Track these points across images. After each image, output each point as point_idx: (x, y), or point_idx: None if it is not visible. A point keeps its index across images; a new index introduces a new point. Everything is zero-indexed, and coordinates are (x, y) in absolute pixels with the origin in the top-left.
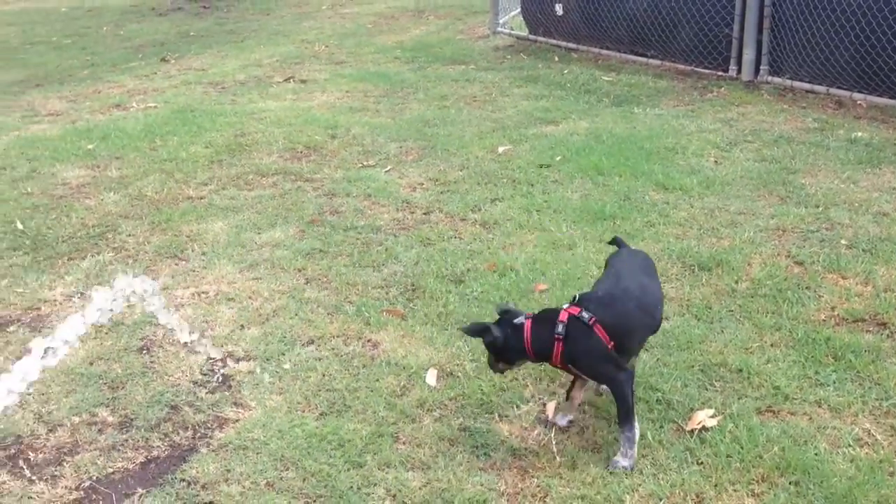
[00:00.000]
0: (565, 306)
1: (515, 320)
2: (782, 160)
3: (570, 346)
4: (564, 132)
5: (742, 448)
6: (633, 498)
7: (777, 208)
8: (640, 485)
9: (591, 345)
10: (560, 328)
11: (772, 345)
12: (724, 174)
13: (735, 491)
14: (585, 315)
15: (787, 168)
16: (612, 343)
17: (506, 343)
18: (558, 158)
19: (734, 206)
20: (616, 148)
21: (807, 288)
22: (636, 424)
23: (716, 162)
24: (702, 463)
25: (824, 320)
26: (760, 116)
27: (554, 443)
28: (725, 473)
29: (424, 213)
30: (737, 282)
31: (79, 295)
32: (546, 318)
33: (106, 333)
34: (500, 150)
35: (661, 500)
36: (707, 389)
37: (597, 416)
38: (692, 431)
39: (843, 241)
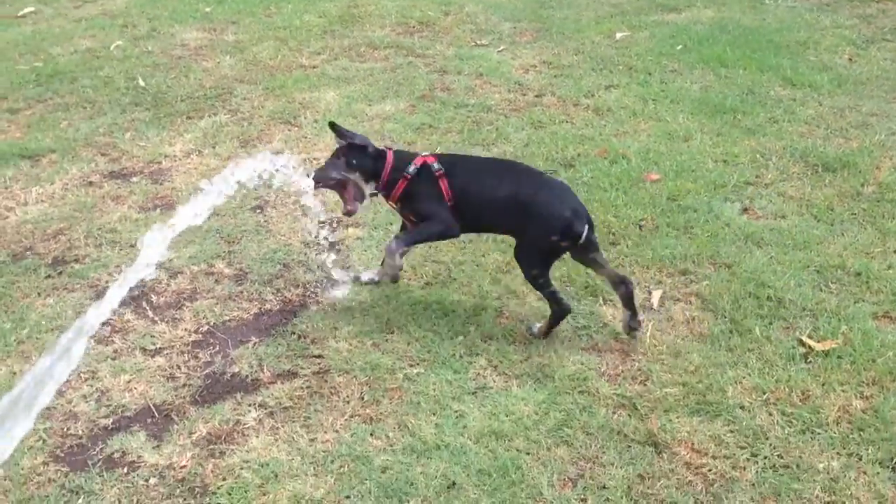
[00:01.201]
0: (423, 154)
1: (371, 148)
2: None
3: (411, 187)
4: (687, 20)
5: (854, 351)
6: (735, 389)
7: None
8: (744, 377)
9: (429, 191)
10: (412, 168)
11: (895, 251)
12: (859, 73)
13: (843, 392)
14: (436, 165)
15: None
16: (452, 202)
17: (372, 162)
18: (679, 48)
19: (866, 106)
20: (742, 39)
21: None
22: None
23: (850, 59)
24: (811, 362)
25: None
26: None
27: (656, 330)
28: (835, 374)
29: (536, 96)
30: (863, 185)
31: (197, 153)
32: (404, 157)
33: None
34: (618, 35)
35: (764, 393)
36: (822, 291)
37: (703, 308)
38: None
39: None
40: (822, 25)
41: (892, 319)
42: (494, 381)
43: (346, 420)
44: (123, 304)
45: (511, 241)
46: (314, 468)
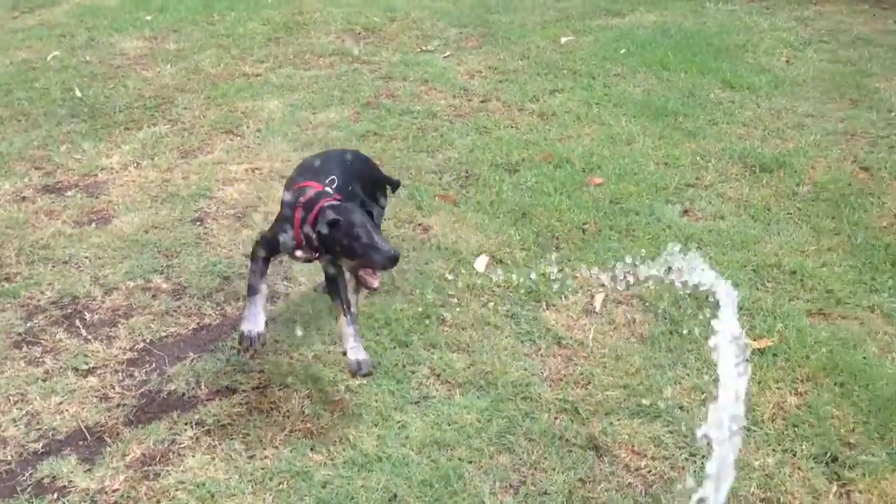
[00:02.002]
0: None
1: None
2: (857, 62)
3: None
4: (630, 25)
5: (789, 348)
6: (675, 390)
7: (847, 112)
8: (683, 378)
9: None
10: None
11: (829, 249)
12: (795, 75)
13: (779, 388)
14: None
15: (861, 71)
16: None
17: None
18: (622, 52)
19: (803, 107)
20: (683, 43)
21: (870, 194)
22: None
23: (787, 62)
24: (747, 360)
25: (885, 227)
26: (838, 16)
27: (599, 333)
28: (770, 371)
29: (482, 101)
30: (798, 185)
31: (135, 164)
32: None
33: (161, 203)
34: (563, 40)
35: (702, 393)
36: (759, 290)
37: (644, 310)
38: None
39: None
40: (761, 28)
41: (825, 316)
42: (437, 390)
43: (286, 435)
44: (55, 322)
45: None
46: (252, 486)
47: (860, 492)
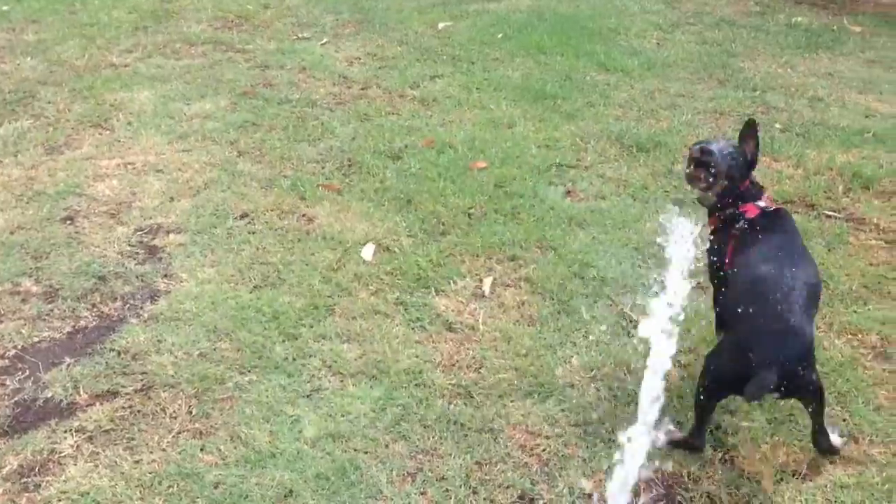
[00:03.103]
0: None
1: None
2: (723, 43)
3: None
4: (506, 9)
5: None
6: (565, 369)
7: (716, 91)
8: (572, 356)
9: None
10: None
11: (705, 225)
12: (666, 56)
13: None
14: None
15: (727, 51)
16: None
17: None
18: (500, 36)
19: (674, 88)
20: (559, 27)
21: None
22: None
23: (658, 44)
24: (633, 336)
25: None
26: None
27: (488, 317)
28: None
29: (362, 89)
30: (673, 163)
31: None
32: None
33: (27, 202)
34: (441, 25)
35: (592, 370)
36: (640, 267)
37: (532, 292)
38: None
39: (777, 125)
40: (631, 11)
41: (703, 289)
42: (329, 382)
43: (173, 437)
44: None
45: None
46: (140, 492)
47: (743, 457)
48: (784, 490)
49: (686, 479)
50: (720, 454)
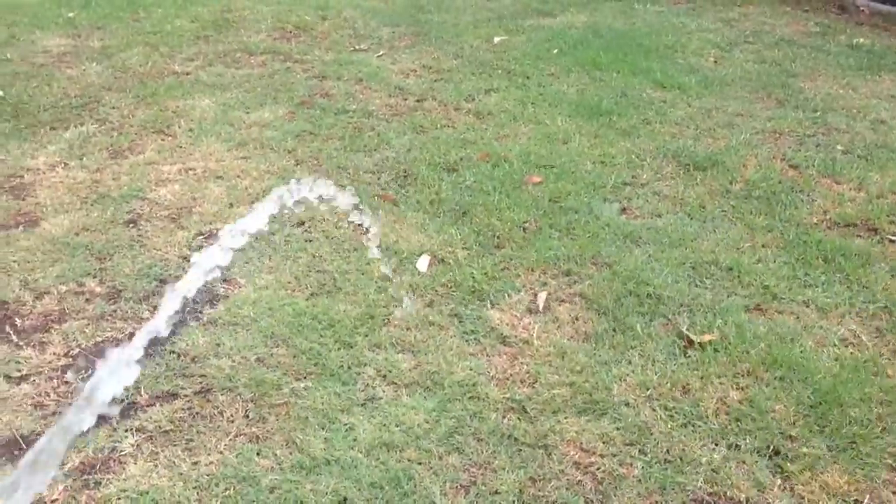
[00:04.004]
0: None
1: None
2: (782, 63)
3: None
4: (562, 24)
5: (730, 343)
6: (620, 387)
7: (774, 111)
8: (628, 374)
9: None
10: None
11: (763, 245)
12: (723, 74)
13: (721, 384)
14: None
15: (786, 71)
16: None
17: None
18: (555, 51)
19: (732, 107)
20: (615, 43)
21: (800, 191)
22: None
23: (715, 62)
24: (689, 356)
25: (816, 223)
26: (762, 18)
27: (543, 332)
28: (712, 367)
29: (417, 101)
30: (731, 182)
31: (63, 165)
32: None
33: (92, 205)
34: (496, 40)
35: (647, 389)
36: (697, 286)
37: (587, 308)
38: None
39: (838, 147)
40: (689, 29)
41: (762, 312)
42: (384, 392)
43: (230, 440)
44: None
45: (399, 252)
46: (198, 493)
47: (802, 484)
48: None
49: (744, 503)
50: (779, 480)
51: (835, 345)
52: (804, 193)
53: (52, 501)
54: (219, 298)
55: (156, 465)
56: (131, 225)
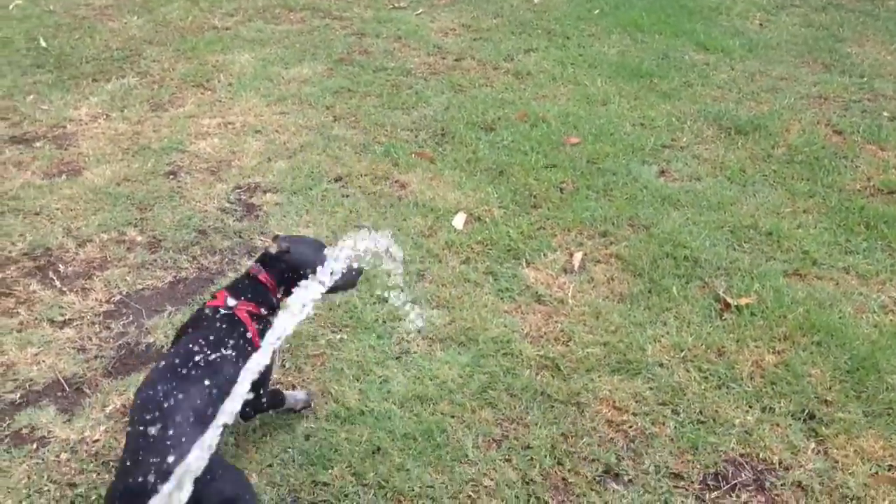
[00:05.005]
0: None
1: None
2: (830, 27)
3: None
4: None
5: (767, 307)
6: (654, 347)
7: (820, 76)
8: (662, 336)
9: None
10: None
11: (804, 211)
12: (769, 38)
13: (756, 347)
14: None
15: (834, 35)
16: None
17: None
18: (596, 12)
19: (776, 71)
20: (657, 4)
21: (844, 157)
22: None
23: (760, 25)
24: (725, 319)
25: (859, 190)
26: None
27: (578, 292)
28: (748, 330)
29: (456, 60)
30: (773, 147)
31: (104, 116)
32: None
33: (133, 156)
34: (536, 0)
35: (682, 351)
36: (735, 250)
37: (623, 269)
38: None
39: (885, 113)
40: None
41: (801, 277)
42: (418, 346)
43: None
44: (28, 274)
45: (436, 210)
46: (235, 438)
47: (837, 448)
48: (878, 482)
49: (777, 466)
50: (813, 444)
51: (874, 311)
52: (848, 160)
53: (94, 441)
54: (256, 250)
55: None
56: (171, 176)
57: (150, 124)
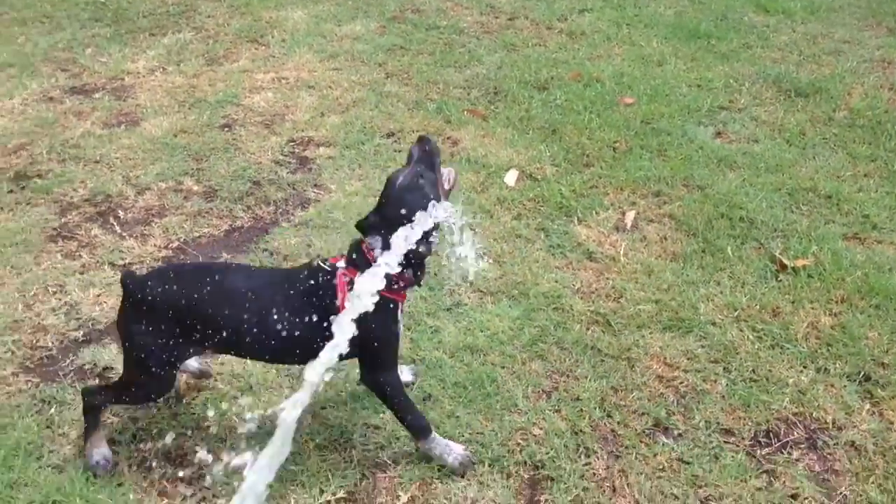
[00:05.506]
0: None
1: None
2: None
3: None
4: None
5: (824, 270)
6: (707, 306)
7: (884, 39)
8: (716, 295)
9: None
10: None
11: (865, 175)
12: (831, 0)
13: (813, 309)
14: None
15: None
16: None
17: None
18: None
19: (839, 34)
20: None
21: None
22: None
23: None
24: (780, 280)
25: None
26: None
27: (630, 250)
28: (804, 292)
29: (509, 19)
30: (834, 110)
31: (161, 70)
32: None
33: (189, 108)
34: None
35: (735, 310)
36: (793, 212)
37: (676, 229)
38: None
39: None
40: None
41: (860, 240)
42: (469, 298)
43: None
44: (90, 219)
45: (487, 166)
46: (290, 381)
47: (892, 409)
48: None
49: (830, 426)
50: (868, 405)
51: None
52: None
53: None
54: (309, 202)
55: None
56: (226, 129)
57: (205, 78)
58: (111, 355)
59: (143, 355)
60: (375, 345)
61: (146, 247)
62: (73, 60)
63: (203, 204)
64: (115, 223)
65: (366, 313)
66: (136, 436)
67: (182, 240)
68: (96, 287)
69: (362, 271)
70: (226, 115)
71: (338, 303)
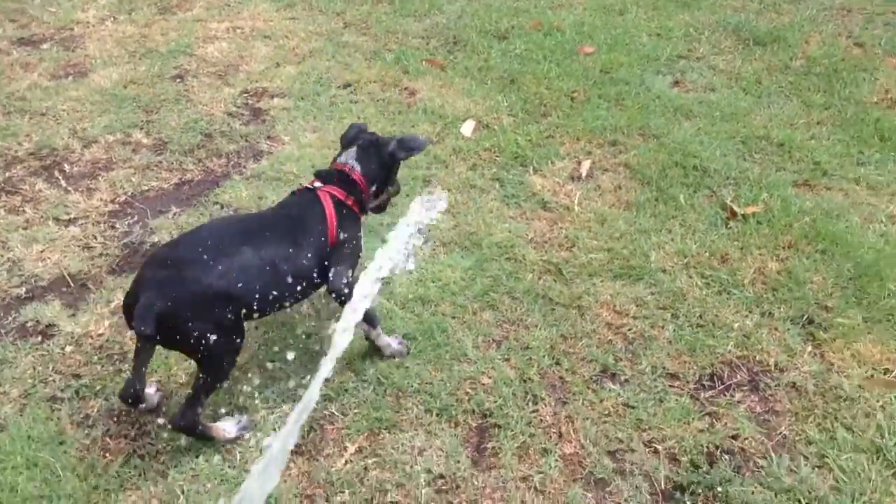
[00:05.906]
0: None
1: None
2: None
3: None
4: None
5: (773, 216)
6: (658, 254)
7: None
8: (667, 243)
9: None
10: None
11: (818, 122)
12: None
13: (760, 255)
14: None
15: None
16: None
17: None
18: None
19: None
20: None
21: (863, 70)
22: None
23: None
24: (730, 227)
25: (876, 102)
26: None
27: (584, 199)
28: (753, 238)
29: None
30: (791, 59)
31: (112, 19)
32: None
33: (140, 59)
34: None
35: (685, 257)
36: (746, 160)
37: (631, 178)
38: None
39: None
40: None
41: (810, 187)
42: (422, 249)
43: None
44: (34, 173)
45: (444, 117)
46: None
47: (833, 352)
48: (873, 385)
49: (773, 368)
50: (810, 347)
51: (882, 221)
52: (867, 72)
53: (98, 335)
54: (262, 154)
55: None
56: (178, 80)
57: (157, 27)
58: (54, 312)
59: (225, 339)
60: (346, 248)
61: (92, 201)
62: (21, 11)
63: (152, 157)
64: (60, 177)
65: (341, 221)
66: (78, 392)
67: (130, 193)
68: (39, 243)
69: (344, 188)
70: (178, 65)
71: (327, 213)
